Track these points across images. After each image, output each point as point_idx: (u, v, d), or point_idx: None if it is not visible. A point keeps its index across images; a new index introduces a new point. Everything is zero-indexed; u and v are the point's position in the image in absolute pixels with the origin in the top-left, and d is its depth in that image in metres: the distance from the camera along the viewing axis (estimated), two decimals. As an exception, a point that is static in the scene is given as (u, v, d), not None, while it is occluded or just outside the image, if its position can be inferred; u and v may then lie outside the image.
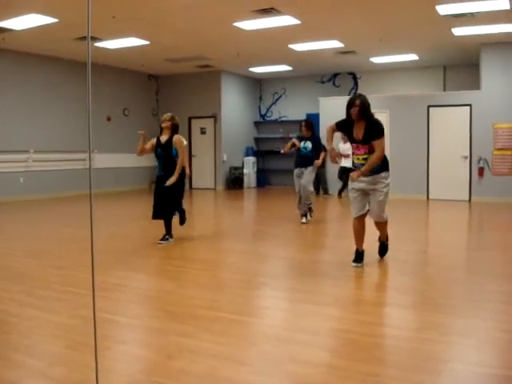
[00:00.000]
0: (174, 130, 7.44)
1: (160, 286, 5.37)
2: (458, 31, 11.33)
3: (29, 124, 13.60)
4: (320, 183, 15.19)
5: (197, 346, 3.56)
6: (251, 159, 17.95)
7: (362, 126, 5.76)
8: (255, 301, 4.98)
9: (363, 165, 5.79)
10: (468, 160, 13.29)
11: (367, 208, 6.00)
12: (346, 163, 14.18)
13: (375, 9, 9.77)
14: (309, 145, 9.31)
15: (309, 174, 9.35)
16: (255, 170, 18.14)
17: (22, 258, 6.57)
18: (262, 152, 18.65)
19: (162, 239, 7.55)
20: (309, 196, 9.47)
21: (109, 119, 16.05)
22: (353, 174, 5.83)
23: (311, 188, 9.51)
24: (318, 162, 9.40)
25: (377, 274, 5.94)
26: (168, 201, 7.41)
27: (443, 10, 9.61)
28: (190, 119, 17.63)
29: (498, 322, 4.07)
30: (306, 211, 9.55)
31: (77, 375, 3.09)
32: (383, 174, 5.83)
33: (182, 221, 7.86)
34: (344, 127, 6.03)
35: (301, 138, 9.42)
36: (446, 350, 3.52)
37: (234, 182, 17.43)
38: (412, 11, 9.88)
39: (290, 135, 17.61)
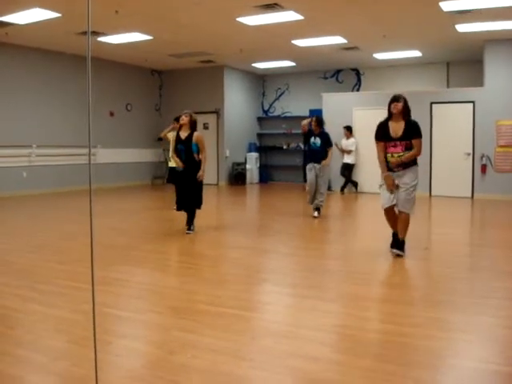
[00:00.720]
0: (193, 126, 7.92)
1: (162, 281, 5.38)
2: (462, 28, 11.31)
3: (32, 119, 13.63)
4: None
5: (198, 342, 3.58)
6: (254, 155, 17.94)
7: (401, 124, 6.15)
8: (257, 296, 5.00)
9: (398, 162, 6.14)
10: (471, 157, 13.28)
11: (395, 201, 6.25)
12: (348, 159, 14.26)
13: (379, 5, 9.75)
14: (318, 140, 9.63)
15: (324, 176, 9.72)
16: (258, 165, 18.14)
17: (24, 253, 6.59)
18: (264, 148, 18.64)
19: (188, 229, 7.98)
20: (324, 194, 9.83)
21: (112, 114, 16.07)
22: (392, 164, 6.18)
23: (326, 187, 9.93)
24: (326, 162, 9.63)
25: (378, 270, 5.94)
26: (192, 194, 7.84)
27: (447, 6, 9.59)
28: (192, 114, 17.61)
29: (501, 319, 4.08)
30: (319, 205, 9.78)
31: (79, 370, 3.11)
32: (414, 167, 6.23)
33: (190, 226, 8.10)
34: (381, 132, 6.30)
35: (311, 133, 9.69)
36: (446, 346, 3.54)
37: (237, 177, 17.42)
38: (415, 7, 9.86)
39: (293, 131, 17.68)
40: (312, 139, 9.64)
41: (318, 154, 9.63)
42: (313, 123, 9.66)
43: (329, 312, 4.30)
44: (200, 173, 7.79)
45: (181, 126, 7.99)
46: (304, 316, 4.22)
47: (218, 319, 4.06)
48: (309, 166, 9.74)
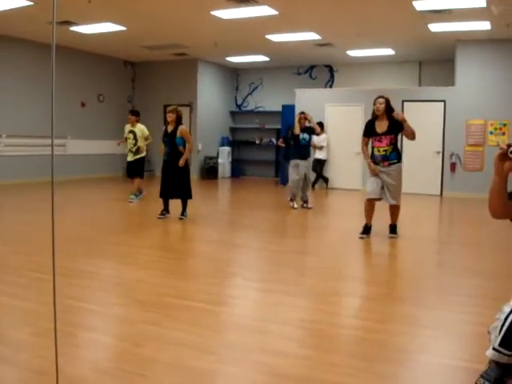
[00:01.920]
0: (179, 121, 8.46)
1: (130, 274, 5.34)
2: (435, 27, 11.41)
3: (1, 108, 13.38)
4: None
5: (164, 335, 3.56)
6: (226, 149, 17.87)
7: (384, 120, 6.89)
8: (225, 290, 4.99)
9: (383, 156, 6.96)
10: (440, 155, 13.44)
11: (380, 196, 7.13)
12: (320, 155, 14.29)
13: (353, 2, 9.78)
14: (306, 136, 9.95)
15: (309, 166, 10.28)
16: (230, 160, 18.07)
17: (-10, 244, 6.49)
18: (237, 142, 18.59)
19: (181, 214, 8.60)
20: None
21: (83, 105, 15.86)
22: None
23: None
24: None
25: (347, 266, 5.98)
26: (181, 183, 8.45)
27: (420, 5, 9.66)
28: (165, 107, 17.45)
29: (467, 315, 4.14)
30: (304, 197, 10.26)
31: (41, 361, 3.07)
32: (398, 165, 7.07)
33: (183, 212, 8.65)
34: (368, 129, 7.11)
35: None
36: (411, 341, 3.57)
37: (209, 171, 17.35)
38: (389, 6, 9.91)
39: (266, 126, 17.69)
40: (301, 135, 9.88)
41: (306, 150, 10.00)
42: (302, 118, 9.95)
43: (297, 307, 4.32)
44: (180, 161, 8.34)
45: (168, 122, 8.53)
46: (272, 310, 4.22)
47: (185, 313, 4.04)
48: (294, 163, 9.97)
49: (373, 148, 7.06)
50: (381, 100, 6.91)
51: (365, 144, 7.18)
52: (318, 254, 6.54)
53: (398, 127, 6.91)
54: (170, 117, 8.42)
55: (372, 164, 7.03)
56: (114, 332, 3.76)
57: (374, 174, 7.01)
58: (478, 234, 8.29)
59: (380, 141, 6.93)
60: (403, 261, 6.32)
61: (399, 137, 7.11)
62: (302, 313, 4.19)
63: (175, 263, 5.84)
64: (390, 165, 6.99)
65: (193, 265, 5.96)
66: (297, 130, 9.80)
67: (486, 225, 8.67)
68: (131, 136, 10.80)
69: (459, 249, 7.07)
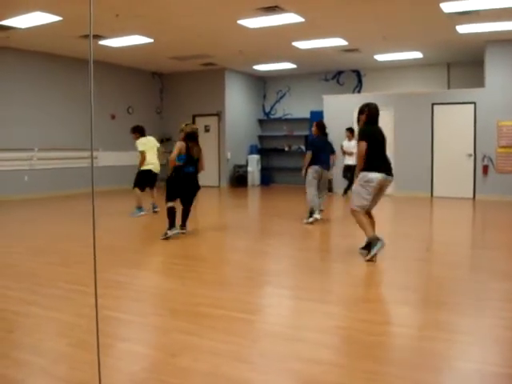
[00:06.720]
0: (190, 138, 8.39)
1: (164, 283, 5.38)
2: (463, 29, 11.30)
3: (33, 122, 13.63)
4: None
5: (200, 344, 3.57)
6: (255, 157, 17.90)
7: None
8: (258, 299, 4.98)
9: None
10: (472, 158, 13.27)
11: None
12: (350, 161, 14.16)
13: (379, 6, 9.74)
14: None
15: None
16: (259, 167, 18.09)
17: (26, 256, 6.59)
18: (266, 150, 18.62)
19: (184, 225, 8.17)
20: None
21: (113, 117, 16.06)
22: None
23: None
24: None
25: (380, 272, 5.94)
26: (194, 194, 8.16)
27: (447, 7, 9.58)
28: (194, 117, 17.63)
29: (501, 320, 4.07)
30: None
31: (80, 373, 3.11)
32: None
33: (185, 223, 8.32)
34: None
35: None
36: (448, 347, 3.52)
37: (238, 179, 17.41)
38: (416, 9, 9.85)
39: (294, 133, 17.68)
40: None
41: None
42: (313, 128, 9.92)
43: (331, 314, 4.29)
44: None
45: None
46: (305, 318, 4.21)
47: (219, 322, 4.05)
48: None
49: None
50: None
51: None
52: (349, 260, 6.49)
53: None
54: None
55: None
56: (150, 342, 3.79)
57: None
58: (511, 237, 8.16)
59: None
60: (437, 266, 6.23)
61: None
62: (335, 320, 4.17)
63: (207, 272, 5.85)
64: None
65: (225, 273, 5.97)
66: None
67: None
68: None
69: (493, 253, 6.95)
